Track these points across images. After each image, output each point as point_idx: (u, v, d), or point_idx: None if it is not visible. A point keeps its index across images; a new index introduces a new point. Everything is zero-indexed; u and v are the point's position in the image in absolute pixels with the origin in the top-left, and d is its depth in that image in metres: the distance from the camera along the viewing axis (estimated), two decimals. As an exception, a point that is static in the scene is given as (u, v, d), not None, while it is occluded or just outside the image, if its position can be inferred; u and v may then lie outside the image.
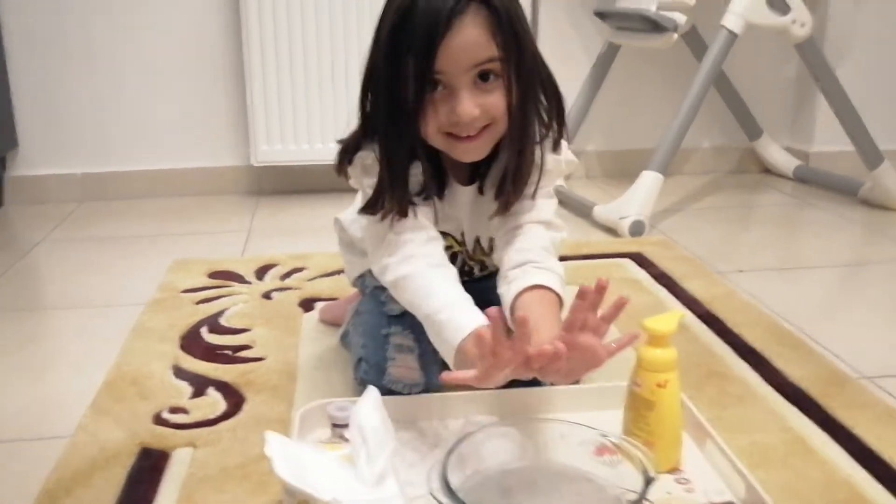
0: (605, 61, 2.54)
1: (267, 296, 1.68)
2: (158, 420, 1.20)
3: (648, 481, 0.89)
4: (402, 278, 1.08)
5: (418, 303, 1.07)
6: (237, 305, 1.63)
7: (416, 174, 1.10)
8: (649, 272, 1.81)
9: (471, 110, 1.01)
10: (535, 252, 1.11)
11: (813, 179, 2.64)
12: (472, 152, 1.08)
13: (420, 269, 1.08)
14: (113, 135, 2.52)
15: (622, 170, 2.65)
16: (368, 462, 0.85)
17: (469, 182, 1.16)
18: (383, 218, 1.09)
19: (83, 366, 1.40)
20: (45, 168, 2.51)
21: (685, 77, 2.30)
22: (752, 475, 0.97)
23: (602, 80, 2.56)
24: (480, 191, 1.16)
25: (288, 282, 1.76)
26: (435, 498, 0.87)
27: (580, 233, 2.12)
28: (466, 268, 1.26)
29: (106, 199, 2.53)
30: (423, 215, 1.11)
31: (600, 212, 2.18)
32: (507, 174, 1.10)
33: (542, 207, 1.15)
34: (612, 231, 2.13)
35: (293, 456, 0.86)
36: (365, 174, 1.12)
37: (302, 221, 2.30)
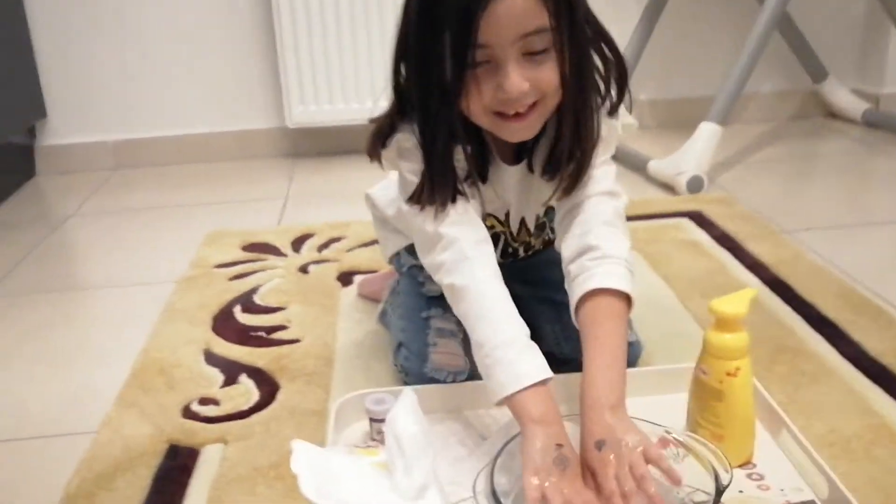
0: (659, 2, 2.38)
1: (304, 269, 1.61)
2: (187, 413, 1.14)
3: (720, 490, 0.79)
4: (458, 288, 0.97)
5: (472, 323, 0.96)
6: (272, 281, 1.55)
7: (459, 157, 0.98)
8: (709, 233, 1.69)
9: (520, 86, 0.89)
10: (594, 233, 0.99)
11: (884, 124, 2.45)
12: (521, 132, 0.96)
13: (477, 281, 0.96)
14: (143, 100, 2.45)
15: (678, 120, 2.50)
16: (406, 473, 0.77)
17: (515, 160, 1.05)
18: (432, 210, 0.98)
19: (110, 353, 1.35)
20: (75, 137, 2.45)
21: (745, 17, 2.13)
22: (833, 471, 0.87)
23: (655, 23, 2.39)
24: (530, 168, 1.04)
25: (325, 253, 1.68)
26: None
27: (633, 190, 2.00)
28: (510, 249, 1.16)
29: (138, 167, 2.47)
30: (470, 204, 1.00)
31: (655, 167, 2.05)
32: (562, 152, 0.98)
33: (600, 177, 1.02)
34: (668, 188, 2.00)
35: (322, 468, 0.78)
36: (403, 158, 1.01)
37: (341, 184, 2.22)
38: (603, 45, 0.96)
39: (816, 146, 2.40)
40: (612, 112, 1.01)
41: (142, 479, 1.00)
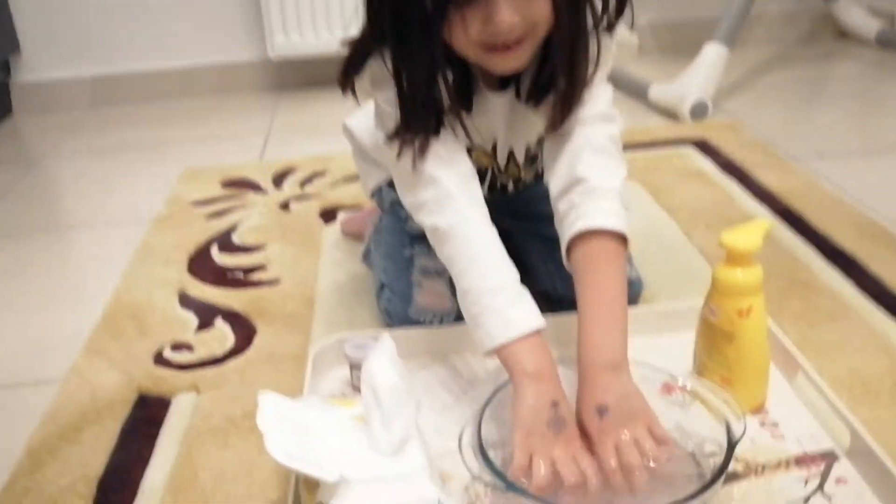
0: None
1: (284, 206, 1.52)
2: (159, 359, 1.06)
3: (733, 444, 0.72)
4: (443, 230, 0.88)
5: (458, 269, 0.87)
6: (252, 219, 1.47)
7: (440, 87, 0.87)
8: (715, 161, 1.60)
9: (510, 20, 0.78)
10: (584, 163, 0.90)
11: (898, 44, 2.34)
12: (510, 63, 0.85)
13: (463, 222, 0.87)
14: (120, 32, 2.33)
15: (681, 44, 2.40)
16: (384, 427, 0.69)
17: (501, 86, 0.95)
18: (413, 145, 0.88)
19: (80, 297, 1.27)
20: (51, 72, 2.34)
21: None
22: (854, 417, 0.80)
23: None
24: (517, 95, 0.95)
25: (308, 189, 1.59)
26: (466, 464, 0.72)
27: (634, 118, 1.90)
28: (498, 185, 1.07)
29: (117, 104, 2.36)
30: (454, 136, 0.91)
31: (657, 92, 1.95)
32: (549, 77, 0.88)
33: (592, 100, 0.92)
34: (670, 114, 1.90)
35: (292, 423, 0.70)
36: (378, 88, 0.90)
37: (326, 118, 2.11)
38: None
39: (827, 69, 2.29)
40: (610, 29, 0.90)
41: (109, 432, 0.93)
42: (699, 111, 1.84)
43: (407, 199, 0.93)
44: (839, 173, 1.51)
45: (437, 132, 0.88)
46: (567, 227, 0.88)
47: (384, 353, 0.72)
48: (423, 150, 0.88)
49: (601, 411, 0.77)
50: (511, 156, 1.03)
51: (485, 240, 0.88)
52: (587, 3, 0.85)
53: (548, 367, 0.80)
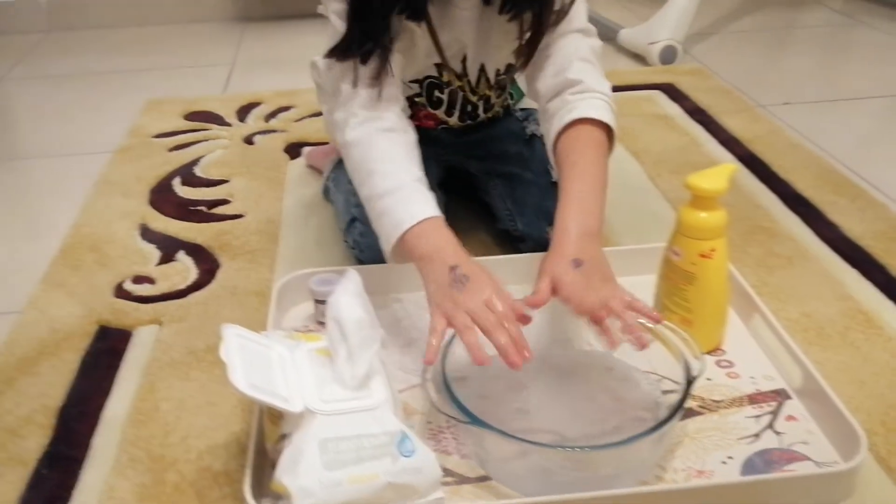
0: None
1: (249, 140, 1.49)
2: (120, 292, 1.05)
3: (690, 380, 0.73)
4: (350, 143, 0.88)
5: (360, 178, 0.87)
6: (215, 152, 1.44)
7: None
8: (682, 106, 1.60)
9: None
10: (573, 69, 0.91)
11: (867, -7, 2.34)
12: None
13: (372, 132, 0.87)
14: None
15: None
16: (349, 361, 0.70)
17: None
18: (351, 63, 0.87)
19: (38, 227, 1.24)
20: (4, -8, 2.24)
21: None
22: (806, 357, 0.82)
23: None
24: (486, 1, 0.93)
25: (273, 123, 1.56)
26: (429, 396, 0.73)
27: (604, 61, 1.86)
28: (469, 107, 1.05)
29: (74, 29, 2.28)
30: (397, 55, 0.89)
31: (627, 36, 1.93)
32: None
33: (573, 14, 0.92)
34: (639, 58, 1.89)
35: (255, 356, 0.70)
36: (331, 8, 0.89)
37: (293, 50, 2.06)
38: None
39: (796, 17, 2.28)
40: None
41: (68, 364, 0.92)
42: (668, 56, 1.83)
43: (338, 115, 0.91)
44: (804, 121, 1.52)
45: (388, 48, 0.86)
46: (557, 120, 0.89)
47: (350, 287, 0.72)
48: (369, 65, 0.86)
49: (576, 264, 0.79)
50: (482, 71, 1.01)
51: (391, 146, 0.87)
52: None
53: (444, 242, 0.80)
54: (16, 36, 2.23)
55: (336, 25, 0.88)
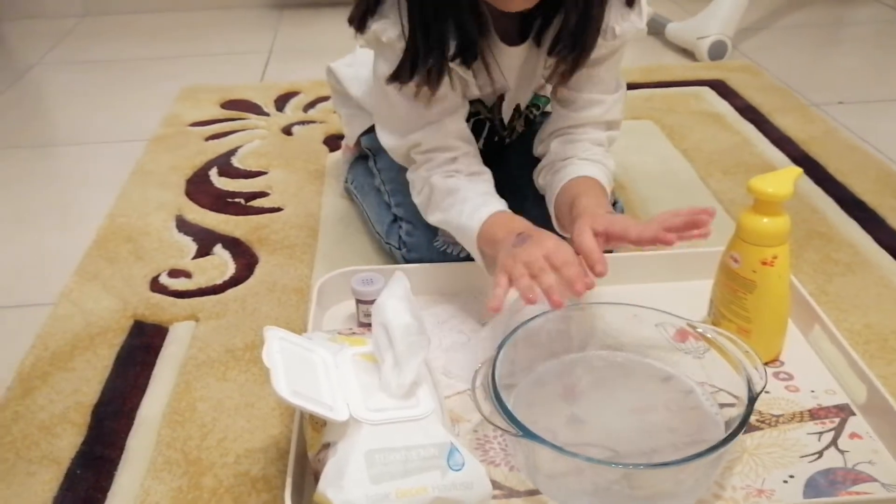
0: None
1: (287, 131, 1.46)
2: (155, 286, 1.03)
3: (753, 398, 0.69)
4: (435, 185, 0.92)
5: (445, 205, 0.91)
6: (253, 142, 1.42)
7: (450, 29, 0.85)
8: (733, 104, 1.55)
9: None
10: (584, 146, 0.95)
11: (922, -11, 2.26)
12: (518, 1, 0.82)
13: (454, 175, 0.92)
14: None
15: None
16: (396, 369, 0.66)
17: (520, 40, 0.92)
18: (411, 87, 0.87)
19: (72, 217, 1.23)
20: (40, -24, 2.24)
21: None
22: (871, 372, 0.77)
23: None
24: (537, 43, 0.91)
25: (312, 113, 1.54)
26: (478, 405, 0.69)
27: (650, 55, 1.83)
28: (496, 138, 1.03)
29: (110, 14, 2.27)
30: (457, 87, 0.90)
31: (675, 30, 1.88)
32: (564, 30, 0.86)
33: (610, 105, 0.95)
34: (688, 53, 1.84)
35: (300, 359, 0.67)
36: (379, 52, 0.89)
37: (331, 38, 2.01)
38: None
39: (849, 12, 2.21)
40: (630, 4, 0.90)
41: (103, 360, 0.90)
42: (718, 51, 1.77)
43: (393, 142, 0.94)
44: (860, 121, 1.47)
45: (440, 78, 0.87)
46: (560, 177, 0.93)
47: (397, 290, 0.68)
48: (423, 96, 0.88)
49: (610, 212, 0.83)
50: (517, 110, 1.01)
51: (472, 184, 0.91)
52: None
53: (516, 224, 0.84)
54: (51, 20, 2.23)
55: (390, 52, 0.87)
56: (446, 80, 0.87)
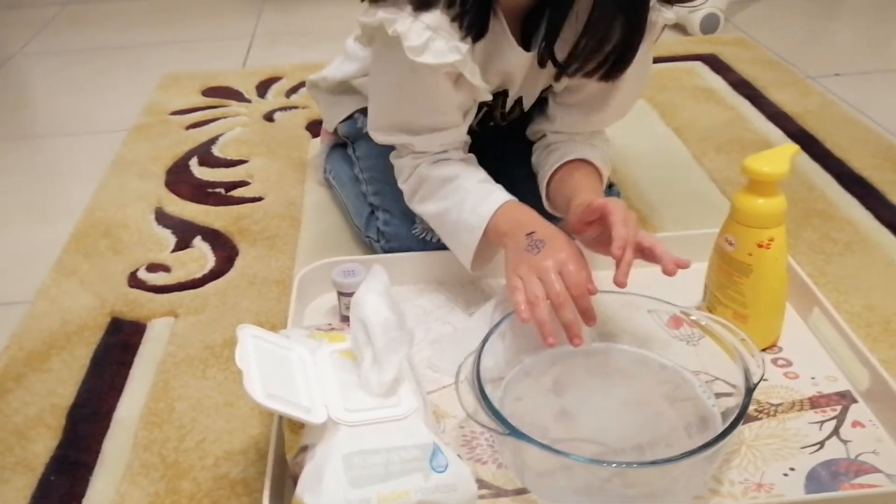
0: None
1: (269, 117, 1.43)
2: (134, 281, 1.00)
3: (751, 389, 0.66)
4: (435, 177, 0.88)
5: (441, 193, 0.88)
6: (234, 130, 1.38)
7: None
8: (726, 78, 1.51)
9: None
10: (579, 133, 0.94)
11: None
12: None
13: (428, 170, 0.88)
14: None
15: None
16: (376, 366, 0.63)
17: (525, 45, 0.87)
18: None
19: (50, 211, 1.19)
20: (18, -36, 2.19)
21: None
22: (873, 356, 0.75)
23: None
24: (541, 63, 0.86)
25: (294, 99, 1.50)
26: (462, 402, 0.66)
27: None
28: (491, 123, 0.99)
29: (91, 2, 2.22)
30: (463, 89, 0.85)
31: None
32: (590, 50, 0.79)
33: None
34: (679, 27, 1.80)
35: (276, 358, 0.64)
36: (387, 46, 0.80)
37: (314, 23, 1.99)
38: None
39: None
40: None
41: (79, 359, 0.87)
42: (710, 24, 1.74)
43: (383, 138, 0.90)
44: (858, 93, 1.43)
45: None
46: (555, 157, 0.90)
47: (376, 285, 0.65)
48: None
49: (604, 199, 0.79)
50: (517, 103, 0.97)
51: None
52: None
53: (524, 217, 0.81)
54: (31, 9, 2.18)
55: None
56: (451, 84, 0.82)
